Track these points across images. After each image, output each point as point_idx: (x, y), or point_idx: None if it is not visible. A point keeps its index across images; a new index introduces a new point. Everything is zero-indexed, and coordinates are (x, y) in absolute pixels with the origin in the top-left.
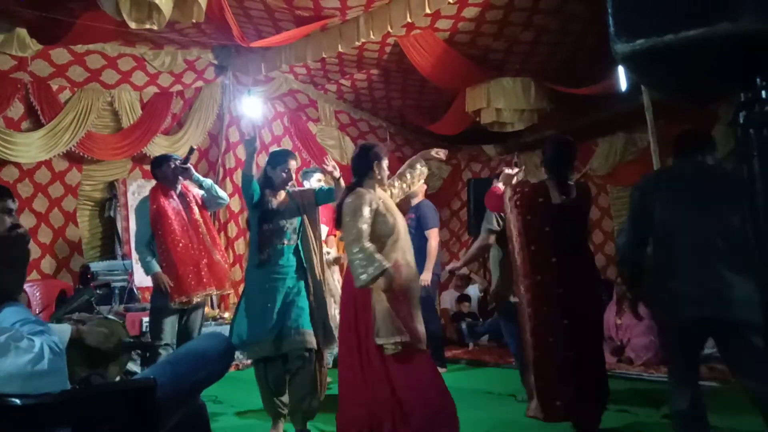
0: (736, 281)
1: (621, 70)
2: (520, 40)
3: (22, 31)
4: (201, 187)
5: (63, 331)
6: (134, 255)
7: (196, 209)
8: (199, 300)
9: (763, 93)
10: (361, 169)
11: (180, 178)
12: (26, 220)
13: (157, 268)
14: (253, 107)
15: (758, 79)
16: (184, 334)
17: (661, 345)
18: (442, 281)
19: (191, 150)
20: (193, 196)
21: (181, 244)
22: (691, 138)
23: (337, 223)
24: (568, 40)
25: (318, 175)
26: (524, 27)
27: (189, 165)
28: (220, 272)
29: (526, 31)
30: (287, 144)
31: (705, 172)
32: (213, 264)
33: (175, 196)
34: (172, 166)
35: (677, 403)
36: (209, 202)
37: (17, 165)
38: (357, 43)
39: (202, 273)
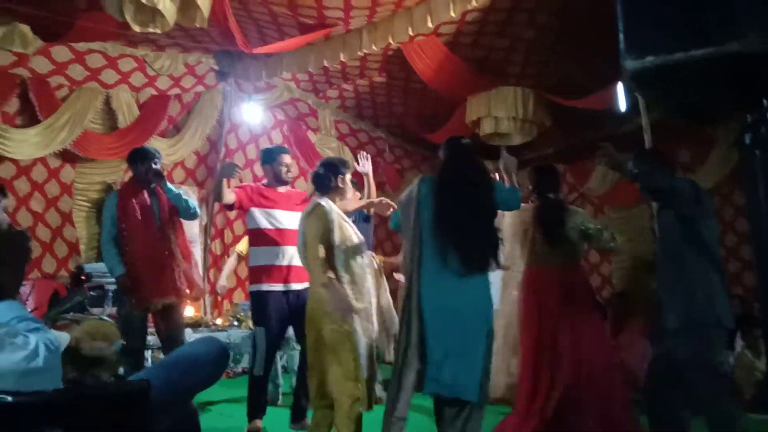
0: None
1: (620, 89)
2: (522, 40)
3: (25, 27)
4: (169, 198)
5: (62, 337)
6: None
7: (166, 213)
8: (158, 307)
9: None
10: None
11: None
12: (23, 219)
13: (120, 270)
14: (253, 115)
15: (765, 101)
16: (167, 338)
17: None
18: None
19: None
20: (168, 200)
21: (142, 247)
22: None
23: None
24: (568, 42)
25: None
26: (527, 26)
27: (158, 169)
28: (185, 282)
29: (528, 31)
30: None
31: None
32: (175, 272)
33: (147, 196)
34: (146, 167)
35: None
36: (180, 212)
37: (14, 162)
38: (360, 53)
39: (163, 280)
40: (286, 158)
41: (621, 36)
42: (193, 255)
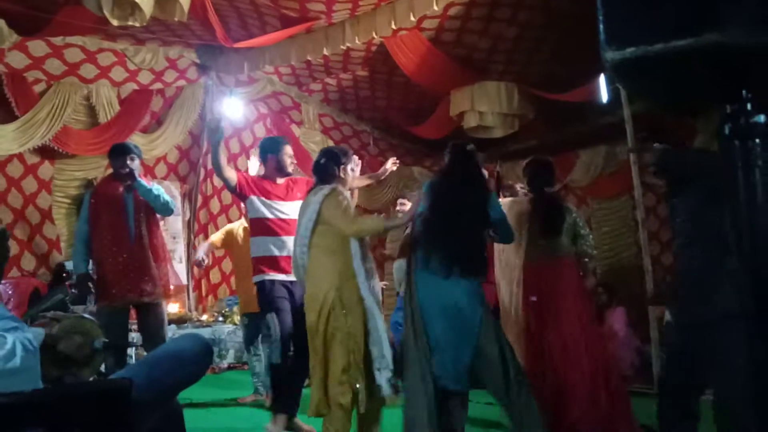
0: None
1: (602, 81)
2: (505, 37)
3: (1, 21)
4: (140, 193)
5: (36, 333)
6: None
7: (141, 210)
8: (127, 305)
9: (749, 105)
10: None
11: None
12: (3, 215)
13: (82, 268)
14: (235, 108)
15: (744, 92)
16: (147, 336)
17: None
18: None
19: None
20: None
21: (112, 245)
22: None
23: None
24: (551, 38)
25: None
26: (509, 23)
27: (129, 165)
28: (157, 281)
29: (511, 27)
30: None
31: None
32: (146, 270)
33: (121, 192)
34: (120, 163)
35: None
36: (155, 208)
37: None
38: (343, 47)
39: (133, 278)
40: (289, 149)
41: (601, 27)
42: (168, 254)
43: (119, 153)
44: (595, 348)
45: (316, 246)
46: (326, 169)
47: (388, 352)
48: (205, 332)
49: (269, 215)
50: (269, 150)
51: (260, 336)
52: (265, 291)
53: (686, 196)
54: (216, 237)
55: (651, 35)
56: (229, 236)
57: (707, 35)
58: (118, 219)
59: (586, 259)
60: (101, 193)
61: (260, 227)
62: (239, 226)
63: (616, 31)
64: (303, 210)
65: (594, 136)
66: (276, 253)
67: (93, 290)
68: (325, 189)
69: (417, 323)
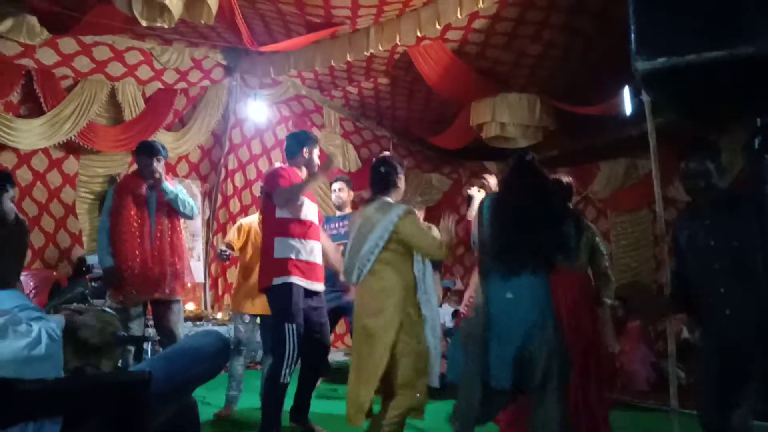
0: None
1: (627, 93)
2: (528, 54)
3: (32, 19)
4: (167, 200)
5: (59, 322)
6: None
7: (164, 209)
8: (142, 301)
9: None
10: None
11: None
12: (28, 208)
13: (108, 262)
14: (258, 110)
15: None
16: (162, 333)
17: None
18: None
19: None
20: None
21: (131, 241)
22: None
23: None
24: (574, 55)
25: (337, 185)
26: (533, 40)
27: (155, 170)
28: (175, 279)
29: (535, 44)
30: None
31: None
32: (165, 269)
33: (143, 190)
34: (146, 164)
35: None
36: (180, 213)
37: (15, 150)
38: (366, 54)
39: (147, 275)
40: (318, 149)
41: (632, 36)
42: (186, 252)
43: (146, 153)
44: (588, 354)
45: (383, 261)
46: (387, 178)
47: (437, 367)
48: (221, 330)
49: (300, 216)
50: (303, 143)
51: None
52: (287, 295)
53: (739, 213)
54: (233, 236)
55: (683, 46)
56: (247, 232)
57: (740, 47)
58: (140, 215)
59: (603, 278)
60: (125, 188)
61: (287, 227)
62: (257, 221)
63: (647, 40)
64: (367, 225)
65: (615, 147)
66: (302, 257)
67: (119, 283)
68: (399, 209)
69: (482, 319)
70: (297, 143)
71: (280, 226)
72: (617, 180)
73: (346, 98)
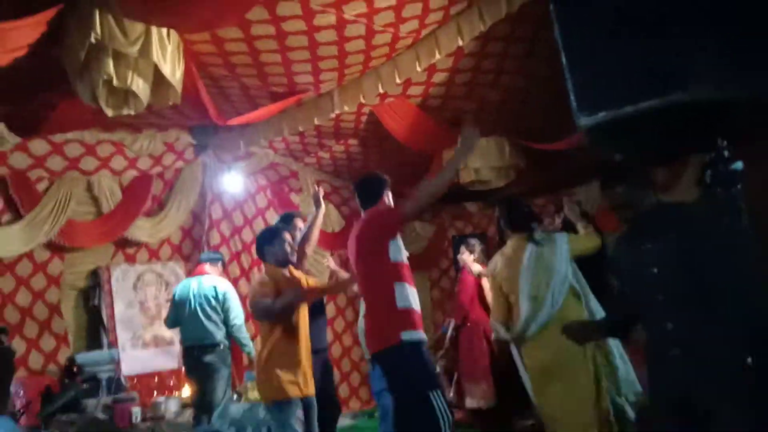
0: None
1: None
2: (490, 100)
3: (0, 126)
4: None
5: None
6: (120, 344)
7: None
8: None
9: (726, 152)
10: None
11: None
12: (11, 315)
13: None
14: (234, 183)
15: (719, 140)
16: None
17: None
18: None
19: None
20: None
21: None
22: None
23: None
24: (531, 97)
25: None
26: (491, 87)
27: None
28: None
29: (494, 90)
30: (271, 216)
31: None
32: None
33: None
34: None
35: None
36: None
37: None
38: (332, 115)
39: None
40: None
41: (571, 95)
42: None
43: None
44: None
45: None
46: (376, 191)
47: None
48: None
49: (405, 260)
50: (384, 185)
51: None
52: (420, 355)
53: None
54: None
55: (620, 99)
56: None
57: (672, 95)
58: None
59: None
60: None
61: (403, 272)
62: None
63: (586, 97)
64: (540, 262)
65: (588, 172)
66: (417, 307)
67: None
68: (562, 237)
69: None
70: (379, 185)
71: (396, 271)
72: (594, 203)
73: (320, 163)
